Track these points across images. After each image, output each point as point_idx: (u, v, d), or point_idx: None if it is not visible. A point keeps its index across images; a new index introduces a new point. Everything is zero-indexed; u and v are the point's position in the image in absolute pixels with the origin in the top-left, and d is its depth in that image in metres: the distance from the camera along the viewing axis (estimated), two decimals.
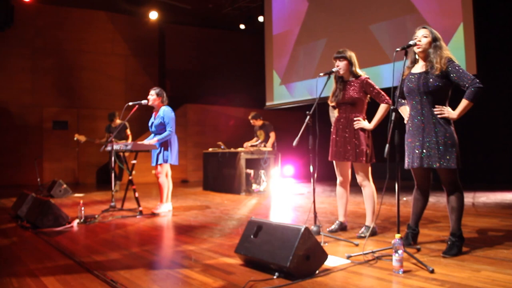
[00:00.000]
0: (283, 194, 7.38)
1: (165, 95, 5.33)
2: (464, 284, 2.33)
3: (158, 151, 5.16)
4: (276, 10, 10.16)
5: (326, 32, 8.79)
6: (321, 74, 3.67)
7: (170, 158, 5.16)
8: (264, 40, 10.58)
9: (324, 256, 2.59)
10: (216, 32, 12.79)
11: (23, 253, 3.30)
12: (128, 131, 8.17)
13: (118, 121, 8.28)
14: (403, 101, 3.24)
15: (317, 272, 2.55)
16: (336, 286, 2.43)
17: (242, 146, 7.82)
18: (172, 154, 5.17)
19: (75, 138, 8.08)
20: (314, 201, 3.58)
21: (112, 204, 5.19)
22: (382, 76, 7.40)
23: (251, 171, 7.87)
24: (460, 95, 2.97)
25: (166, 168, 5.26)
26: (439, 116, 2.95)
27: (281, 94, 9.95)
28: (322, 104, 3.68)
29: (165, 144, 5.16)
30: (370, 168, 3.65)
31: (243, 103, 11.53)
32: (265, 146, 7.62)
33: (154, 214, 5.10)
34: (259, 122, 7.88)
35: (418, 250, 3.05)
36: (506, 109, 7.50)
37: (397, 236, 2.55)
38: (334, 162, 3.78)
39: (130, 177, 5.26)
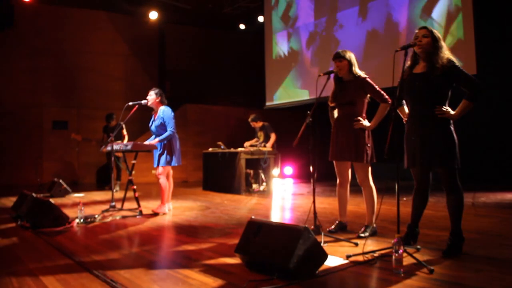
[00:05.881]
0: (283, 194, 7.38)
1: (164, 95, 5.32)
2: (464, 284, 2.33)
3: (160, 152, 5.14)
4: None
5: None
6: (321, 74, 3.68)
7: (173, 160, 5.15)
8: (264, 40, 10.59)
9: (324, 256, 2.59)
10: (216, 32, 12.78)
11: (23, 253, 3.29)
12: (124, 131, 8.18)
13: (114, 122, 8.33)
14: (402, 101, 3.24)
15: (317, 272, 2.55)
16: (336, 286, 2.43)
17: (242, 146, 7.82)
18: (174, 155, 5.15)
19: (72, 137, 8.16)
20: (314, 201, 3.58)
21: (112, 204, 5.18)
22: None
23: (251, 171, 7.87)
24: (460, 95, 2.97)
25: (167, 169, 5.24)
26: (439, 116, 2.95)
27: (281, 94, 9.95)
28: (322, 104, 3.68)
29: (167, 146, 5.13)
30: (370, 168, 3.65)
31: (243, 103, 11.53)
32: (265, 146, 7.62)
33: (154, 214, 5.10)
34: (258, 124, 7.87)
35: (418, 250, 3.05)
36: (506, 109, 7.50)
37: (397, 236, 2.55)
38: (334, 162, 3.78)
39: (130, 177, 5.25)
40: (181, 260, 3.02)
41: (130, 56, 11.68)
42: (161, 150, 5.13)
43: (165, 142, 5.11)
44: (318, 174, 3.60)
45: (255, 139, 7.93)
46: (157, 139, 5.10)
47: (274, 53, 10.21)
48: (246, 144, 7.86)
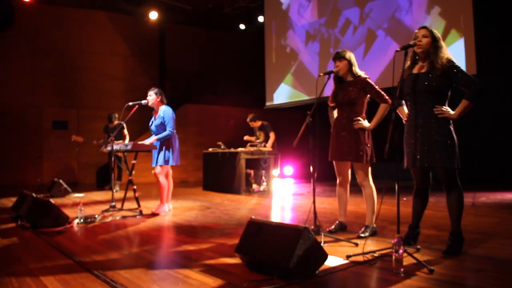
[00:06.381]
0: (283, 194, 7.38)
1: (163, 94, 5.32)
2: (464, 284, 2.33)
3: (158, 151, 5.14)
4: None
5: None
6: (321, 74, 3.68)
7: (171, 159, 5.15)
8: (264, 40, 10.59)
9: (324, 256, 2.59)
10: (216, 32, 12.79)
11: (23, 253, 3.29)
12: (125, 131, 8.18)
13: (116, 122, 8.34)
14: (402, 101, 3.24)
15: (317, 272, 2.55)
16: (336, 286, 2.43)
17: (242, 146, 7.82)
18: (173, 154, 5.15)
19: (72, 139, 8.16)
20: (314, 201, 3.58)
21: (112, 204, 5.18)
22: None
23: (251, 171, 7.87)
24: (460, 95, 2.97)
25: (166, 168, 5.24)
26: (439, 116, 2.95)
27: (281, 94, 9.95)
28: (322, 104, 3.68)
29: (166, 145, 5.13)
30: (370, 168, 3.65)
31: (243, 103, 11.53)
32: (265, 146, 7.62)
33: (154, 214, 5.10)
34: (257, 124, 7.86)
35: (418, 250, 3.05)
36: (506, 109, 7.50)
37: (397, 236, 2.55)
38: (334, 162, 3.78)
39: (130, 177, 5.25)
40: (181, 260, 3.02)
41: (130, 56, 11.68)
42: (160, 149, 5.13)
43: (163, 140, 5.11)
44: (318, 174, 3.60)
45: (255, 137, 7.93)
46: (155, 137, 5.11)
47: (274, 53, 10.21)
48: (246, 137, 7.85)
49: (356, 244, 3.26)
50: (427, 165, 2.97)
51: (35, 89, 10.49)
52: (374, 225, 3.64)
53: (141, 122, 9.47)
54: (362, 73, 3.69)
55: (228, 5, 11.23)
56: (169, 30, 12.14)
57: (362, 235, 3.53)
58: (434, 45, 2.99)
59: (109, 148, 5.24)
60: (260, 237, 2.72)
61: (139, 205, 5.12)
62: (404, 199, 5.70)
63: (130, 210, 5.23)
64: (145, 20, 11.37)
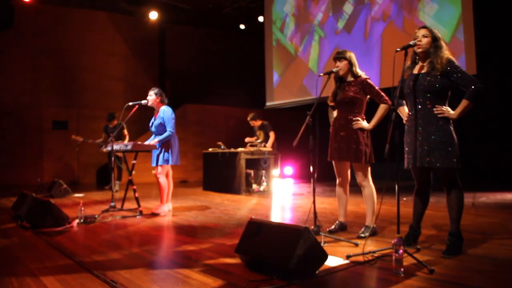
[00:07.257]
0: (283, 194, 7.38)
1: (164, 95, 5.32)
2: (464, 284, 2.33)
3: (158, 151, 5.15)
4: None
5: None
6: (321, 74, 3.68)
7: (171, 159, 5.15)
8: (264, 40, 10.59)
9: (324, 256, 2.59)
10: (216, 32, 12.79)
11: (23, 253, 3.29)
12: (125, 131, 8.18)
13: (115, 122, 8.34)
14: (402, 101, 3.24)
15: (317, 272, 2.55)
16: (336, 286, 2.43)
17: (242, 146, 7.82)
18: (173, 154, 5.16)
19: (73, 138, 8.23)
20: (314, 201, 3.58)
21: (112, 204, 5.18)
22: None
23: (251, 171, 7.87)
24: (460, 95, 2.97)
25: (167, 168, 5.25)
26: (439, 116, 2.95)
27: (281, 94, 9.95)
28: (322, 104, 3.68)
29: (165, 145, 5.14)
30: (369, 168, 3.65)
31: (243, 103, 11.53)
32: (265, 146, 7.62)
33: (154, 214, 5.10)
34: (258, 123, 7.87)
35: (418, 250, 3.05)
36: (506, 109, 7.50)
37: (397, 236, 2.55)
38: (333, 162, 3.78)
39: (130, 177, 5.25)
40: (181, 260, 3.02)
41: (130, 56, 11.68)
42: (160, 149, 5.14)
43: (163, 142, 5.12)
44: (318, 174, 3.60)
45: (255, 137, 7.94)
46: (156, 139, 5.11)
47: (274, 53, 10.21)
48: (247, 139, 7.86)
49: (356, 244, 3.26)
50: (427, 165, 2.98)
51: (35, 89, 10.48)
52: (374, 225, 3.63)
53: (141, 122, 9.47)
54: (362, 73, 3.69)
55: (228, 5, 11.21)
56: (169, 30, 12.14)
57: (362, 235, 3.53)
58: (434, 45, 2.99)
59: (109, 148, 5.24)
60: (260, 237, 2.72)
61: (139, 205, 5.12)
62: (404, 199, 5.70)
63: (130, 210, 5.23)
64: (145, 20, 11.37)
